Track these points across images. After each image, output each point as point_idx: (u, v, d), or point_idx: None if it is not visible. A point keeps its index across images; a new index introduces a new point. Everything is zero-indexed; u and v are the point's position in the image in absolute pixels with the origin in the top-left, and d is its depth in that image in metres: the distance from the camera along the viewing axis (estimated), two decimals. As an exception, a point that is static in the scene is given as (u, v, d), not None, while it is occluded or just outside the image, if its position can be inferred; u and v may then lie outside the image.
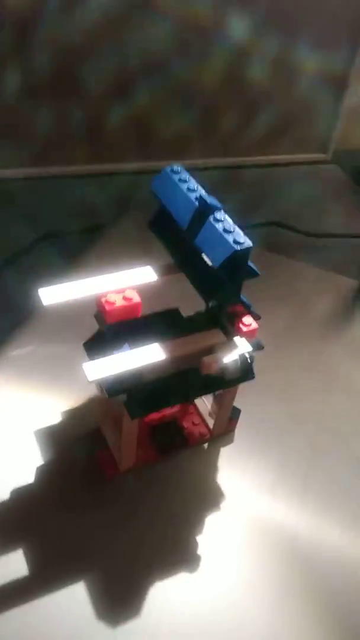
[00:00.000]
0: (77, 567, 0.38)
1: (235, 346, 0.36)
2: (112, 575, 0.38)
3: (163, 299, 0.40)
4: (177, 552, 0.40)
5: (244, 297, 0.37)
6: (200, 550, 0.40)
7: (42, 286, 0.35)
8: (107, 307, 0.34)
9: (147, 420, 0.45)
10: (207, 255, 0.34)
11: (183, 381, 0.36)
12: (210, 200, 0.34)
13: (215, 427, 0.46)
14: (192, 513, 0.42)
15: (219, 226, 0.33)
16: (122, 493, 0.42)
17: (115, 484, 0.43)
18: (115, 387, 0.35)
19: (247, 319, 0.37)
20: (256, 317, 0.38)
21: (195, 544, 0.40)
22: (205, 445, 0.46)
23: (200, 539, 0.40)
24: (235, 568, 0.39)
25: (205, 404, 0.47)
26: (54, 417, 0.46)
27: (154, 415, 0.46)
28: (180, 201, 0.36)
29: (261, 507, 0.43)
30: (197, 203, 0.35)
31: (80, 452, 0.44)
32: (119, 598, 0.37)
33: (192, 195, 0.35)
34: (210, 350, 0.36)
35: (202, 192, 0.36)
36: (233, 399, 0.43)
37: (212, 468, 0.45)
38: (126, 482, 0.43)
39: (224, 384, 0.38)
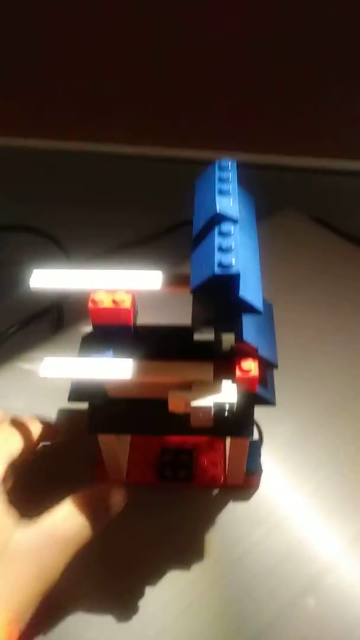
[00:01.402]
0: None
1: (217, 391, 0.29)
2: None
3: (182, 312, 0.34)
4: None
5: (251, 335, 0.30)
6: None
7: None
8: (90, 306, 0.31)
9: (159, 439, 0.41)
10: (191, 274, 0.27)
11: (157, 412, 0.31)
12: (227, 209, 0.28)
13: (228, 476, 0.39)
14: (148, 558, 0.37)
15: (219, 241, 0.27)
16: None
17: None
18: (76, 392, 0.32)
19: (248, 364, 0.30)
20: (264, 364, 0.30)
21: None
22: (215, 491, 0.40)
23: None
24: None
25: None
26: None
27: (174, 437, 0.41)
28: (204, 203, 0.30)
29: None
30: (217, 208, 0.28)
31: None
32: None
33: (220, 199, 0.29)
34: (188, 386, 0.30)
35: (235, 197, 0.29)
36: (241, 451, 0.36)
37: (206, 521, 0.38)
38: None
39: (197, 430, 0.31)
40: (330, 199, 0.67)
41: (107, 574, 0.36)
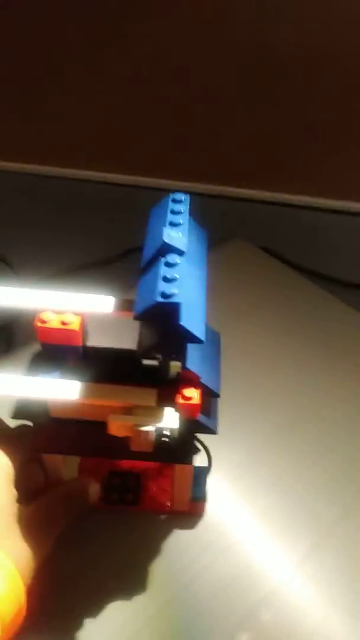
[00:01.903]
0: None
1: (158, 416, 0.30)
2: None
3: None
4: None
5: (195, 364, 0.30)
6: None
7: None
8: (36, 324, 0.31)
9: (109, 462, 0.41)
10: (136, 301, 0.28)
11: (100, 435, 0.31)
12: (174, 240, 0.29)
13: (174, 502, 0.39)
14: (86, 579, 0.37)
15: (164, 271, 0.28)
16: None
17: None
18: (19, 410, 0.32)
19: (190, 392, 0.30)
20: (207, 392, 0.31)
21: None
22: (163, 517, 0.40)
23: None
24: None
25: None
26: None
27: (123, 461, 0.41)
28: (155, 233, 0.31)
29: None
30: (165, 239, 0.29)
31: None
32: None
33: (169, 231, 0.30)
34: (130, 411, 0.30)
35: (185, 229, 0.30)
36: (185, 478, 0.36)
37: (153, 546, 0.38)
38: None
39: (138, 454, 0.31)
40: (277, 229, 0.69)
41: (54, 598, 0.35)
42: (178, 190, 0.33)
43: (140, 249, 0.31)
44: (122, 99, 0.71)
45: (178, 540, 0.39)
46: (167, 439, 0.29)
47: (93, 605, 0.36)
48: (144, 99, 0.70)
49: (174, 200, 0.32)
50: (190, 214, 0.33)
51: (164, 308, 0.26)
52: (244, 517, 0.41)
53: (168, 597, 0.36)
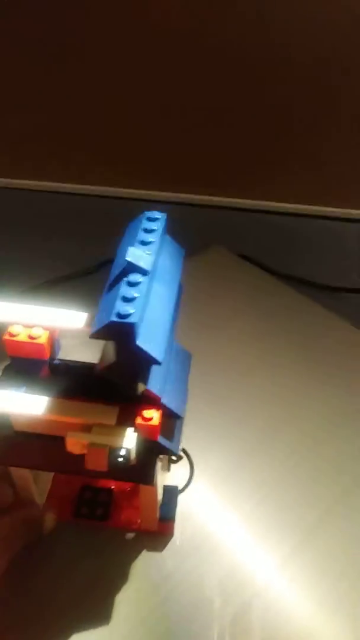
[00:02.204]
0: None
1: (115, 435, 0.30)
2: None
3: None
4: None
5: (157, 384, 0.30)
6: None
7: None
8: (5, 337, 0.31)
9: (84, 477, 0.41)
10: (95, 319, 0.28)
11: (61, 450, 0.31)
12: (139, 259, 0.29)
13: (142, 521, 0.39)
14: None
15: (124, 290, 0.28)
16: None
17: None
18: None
19: (150, 412, 0.30)
20: (170, 413, 0.31)
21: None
22: (131, 535, 0.40)
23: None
24: None
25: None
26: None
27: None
28: (123, 251, 0.30)
29: None
30: (128, 258, 0.29)
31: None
32: None
33: (134, 250, 0.30)
34: (89, 428, 0.30)
35: (155, 249, 0.30)
36: (150, 497, 0.36)
37: (116, 565, 0.38)
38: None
39: (94, 473, 0.31)
40: (255, 236, 0.70)
41: (23, 617, 0.35)
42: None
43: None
44: (99, 110, 0.72)
45: (149, 559, 0.39)
46: (121, 459, 0.29)
47: (59, 626, 0.35)
48: (120, 111, 0.71)
49: (149, 219, 0.32)
50: (166, 232, 0.33)
51: (119, 328, 0.26)
52: (227, 522, 0.41)
53: (139, 619, 0.36)
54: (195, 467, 0.43)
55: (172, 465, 0.39)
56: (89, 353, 0.34)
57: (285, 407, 0.48)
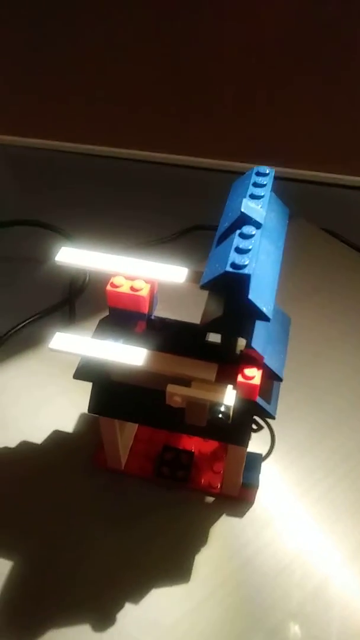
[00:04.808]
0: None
1: (215, 392, 0.29)
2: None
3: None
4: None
5: (260, 344, 0.29)
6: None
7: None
8: (108, 287, 0.31)
9: (166, 437, 0.41)
10: (205, 270, 0.27)
11: (157, 404, 0.31)
12: (252, 211, 0.28)
13: (223, 486, 0.38)
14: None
15: (238, 242, 0.27)
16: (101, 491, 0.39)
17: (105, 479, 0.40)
18: (81, 371, 0.32)
19: (252, 371, 0.29)
20: (270, 375, 0.30)
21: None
22: (210, 499, 0.39)
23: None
24: None
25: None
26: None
27: (179, 437, 0.41)
28: (234, 205, 0.30)
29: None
30: (242, 209, 0.28)
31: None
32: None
33: (248, 202, 0.29)
34: (189, 383, 0.30)
35: (266, 203, 0.29)
36: (237, 461, 0.35)
37: (201, 529, 0.38)
38: (111, 483, 0.40)
39: (194, 430, 0.31)
40: (339, 211, 0.69)
41: (101, 578, 0.36)
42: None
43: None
44: (172, 80, 0.71)
45: (226, 525, 0.38)
46: (221, 416, 0.28)
47: (140, 586, 0.35)
48: (200, 80, 0.70)
49: (258, 173, 0.31)
50: (273, 191, 0.31)
51: (233, 279, 0.25)
52: (306, 496, 0.40)
53: (218, 582, 0.36)
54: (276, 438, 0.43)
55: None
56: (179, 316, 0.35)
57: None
